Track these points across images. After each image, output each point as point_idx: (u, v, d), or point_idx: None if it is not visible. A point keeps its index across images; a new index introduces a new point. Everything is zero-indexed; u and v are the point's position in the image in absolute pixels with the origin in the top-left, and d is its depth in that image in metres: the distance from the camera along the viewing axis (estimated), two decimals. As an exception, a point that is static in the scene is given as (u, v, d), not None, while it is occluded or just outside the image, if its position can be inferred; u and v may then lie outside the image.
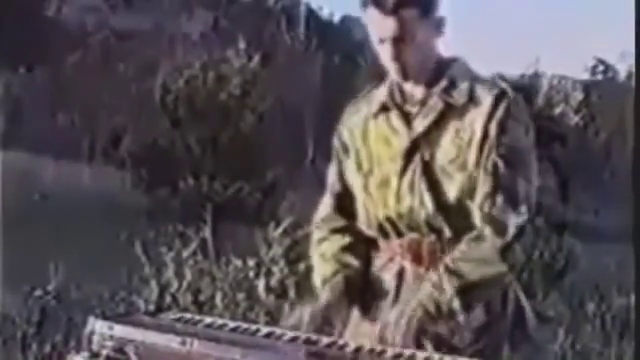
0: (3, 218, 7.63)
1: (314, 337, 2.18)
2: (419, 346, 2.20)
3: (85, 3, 17.32)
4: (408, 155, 2.37)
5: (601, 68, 18.65)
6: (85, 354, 2.14)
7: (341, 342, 2.15)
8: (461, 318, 2.25)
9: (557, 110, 16.05)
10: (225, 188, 9.68)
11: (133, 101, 12.25)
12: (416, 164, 2.35)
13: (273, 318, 4.77)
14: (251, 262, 5.31)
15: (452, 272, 2.26)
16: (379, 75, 2.46)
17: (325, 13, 21.67)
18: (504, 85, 2.38)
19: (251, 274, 5.27)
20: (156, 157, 10.23)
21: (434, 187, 2.34)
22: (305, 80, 14.33)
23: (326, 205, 2.55)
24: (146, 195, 10.08)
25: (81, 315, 4.30)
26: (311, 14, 18.43)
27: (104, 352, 2.12)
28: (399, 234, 2.40)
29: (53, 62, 13.69)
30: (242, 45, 10.83)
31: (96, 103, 12.73)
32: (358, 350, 2.10)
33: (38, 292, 5.44)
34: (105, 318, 2.17)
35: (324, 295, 2.40)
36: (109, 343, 2.13)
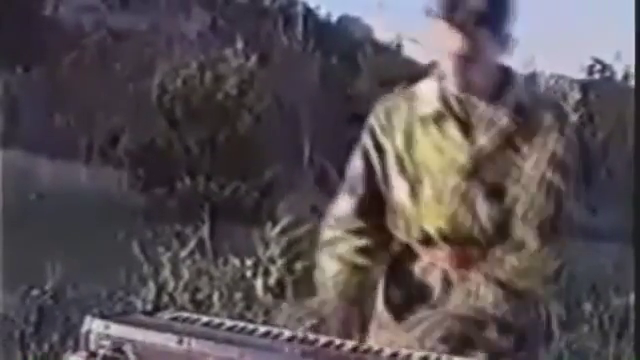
0: (1, 217, 7.61)
1: (311, 337, 2.18)
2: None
3: (82, 3, 17.29)
4: (468, 170, 2.33)
5: (598, 67, 18.63)
6: (83, 353, 2.14)
7: (338, 342, 2.15)
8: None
9: (554, 110, 16.03)
10: (222, 188, 9.67)
11: (130, 101, 12.24)
12: (475, 180, 2.32)
13: (271, 317, 4.77)
14: (249, 261, 5.31)
15: (499, 284, 2.27)
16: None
17: (322, 13, 21.66)
18: (564, 106, 2.40)
19: (249, 273, 5.27)
20: (153, 157, 10.22)
21: (491, 204, 2.32)
22: (302, 80, 14.30)
23: (346, 206, 2.44)
24: (143, 195, 10.07)
25: (78, 315, 4.30)
26: (308, 14, 18.40)
27: (101, 351, 2.12)
28: (446, 242, 2.37)
29: (50, 62, 13.66)
30: (239, 45, 10.82)
31: (93, 103, 12.71)
32: (355, 350, 2.10)
33: (35, 292, 5.43)
34: (102, 317, 2.17)
35: (332, 296, 2.39)
36: (106, 342, 2.12)
